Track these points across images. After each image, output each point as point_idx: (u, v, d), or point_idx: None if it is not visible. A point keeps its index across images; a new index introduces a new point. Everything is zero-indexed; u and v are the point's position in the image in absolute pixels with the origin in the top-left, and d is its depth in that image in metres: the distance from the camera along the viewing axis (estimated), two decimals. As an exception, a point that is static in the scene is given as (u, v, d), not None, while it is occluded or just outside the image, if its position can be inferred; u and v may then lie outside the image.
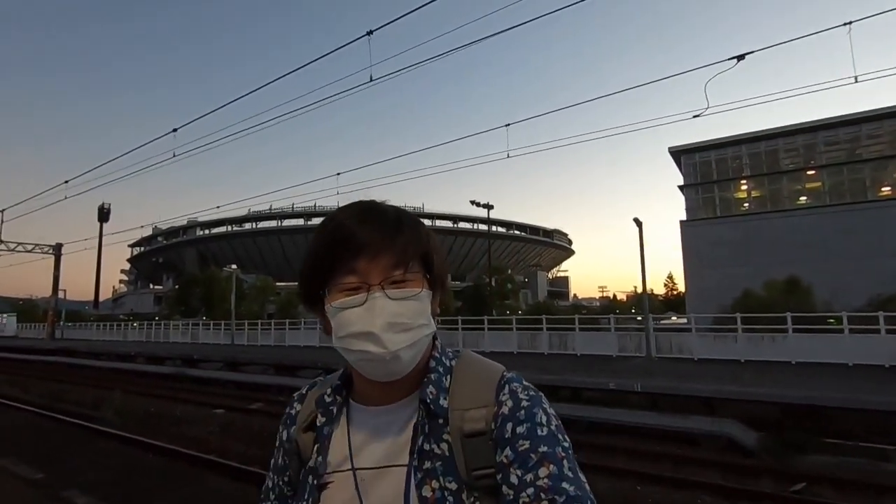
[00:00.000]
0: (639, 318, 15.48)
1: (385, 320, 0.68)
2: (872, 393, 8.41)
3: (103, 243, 70.23)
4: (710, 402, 9.43)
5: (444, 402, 0.72)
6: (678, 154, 33.40)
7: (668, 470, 7.28)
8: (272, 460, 0.85)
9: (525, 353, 15.20)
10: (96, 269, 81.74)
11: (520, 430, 0.67)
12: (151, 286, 77.73)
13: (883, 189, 28.12)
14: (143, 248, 79.47)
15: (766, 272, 24.16)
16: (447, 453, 0.70)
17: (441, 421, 0.71)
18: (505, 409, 0.70)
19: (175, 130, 11.63)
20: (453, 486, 0.68)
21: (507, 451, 0.67)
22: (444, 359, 0.78)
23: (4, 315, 56.16)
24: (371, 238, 0.71)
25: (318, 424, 0.78)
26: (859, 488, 6.57)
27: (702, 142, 32.39)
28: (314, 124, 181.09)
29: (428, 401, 0.72)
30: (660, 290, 59.76)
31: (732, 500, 6.09)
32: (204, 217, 63.70)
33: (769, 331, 12.72)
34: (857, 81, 8.50)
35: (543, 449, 0.65)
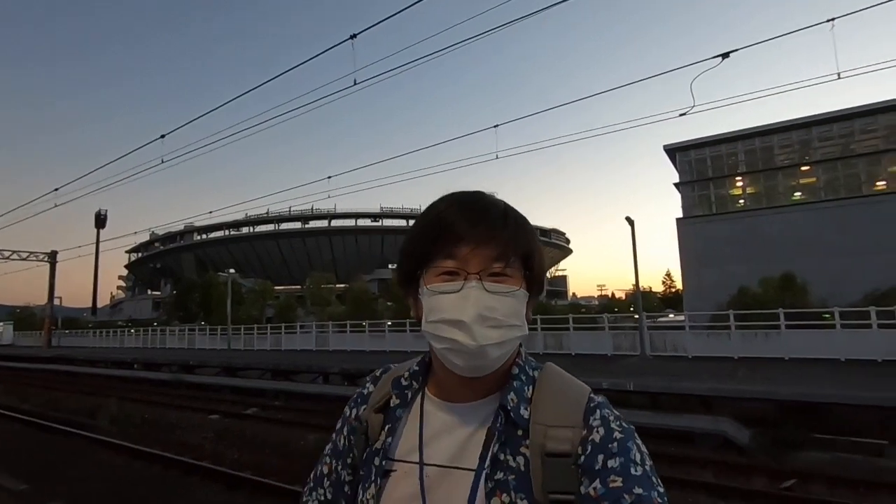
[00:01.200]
0: (635, 317, 15.48)
1: (477, 311, 0.66)
2: (865, 388, 8.42)
3: (101, 250, 70.40)
4: (704, 400, 9.44)
5: (524, 413, 0.69)
6: (673, 152, 33.45)
7: (662, 469, 7.26)
8: (328, 446, 0.84)
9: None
10: (94, 275, 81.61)
11: (612, 463, 0.63)
12: (149, 292, 77.59)
13: (878, 183, 28.18)
14: (140, 254, 79.32)
15: (763, 269, 24.18)
16: (522, 468, 0.66)
17: (520, 433, 0.68)
18: (596, 437, 0.66)
19: (163, 136, 11.63)
20: (524, 503, 0.65)
21: (597, 485, 0.62)
22: (527, 367, 0.75)
23: (1, 323, 56.02)
24: (476, 227, 0.69)
25: (391, 406, 0.77)
26: (851, 485, 6.58)
27: (696, 139, 32.43)
28: (305, 128, 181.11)
29: (509, 408, 0.69)
30: (658, 287, 59.87)
31: (726, 499, 6.09)
32: (200, 222, 63.95)
33: (763, 327, 12.73)
34: (839, 78, 8.54)
35: (638, 491, 0.61)
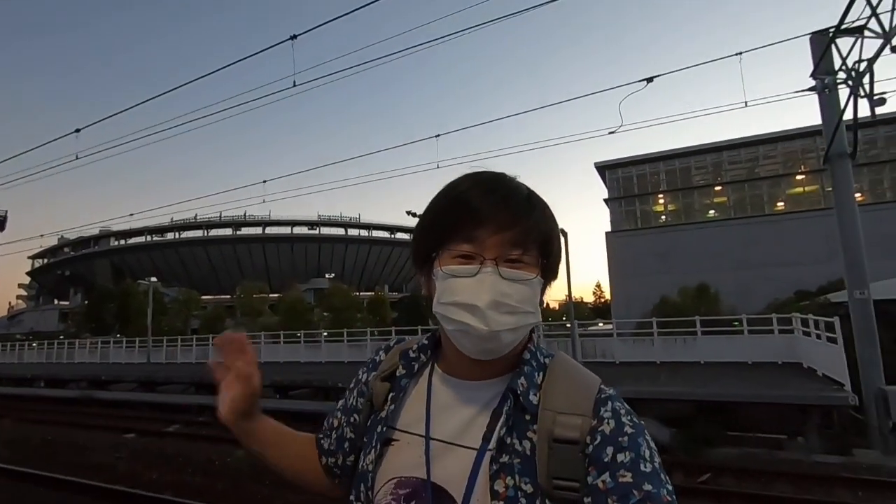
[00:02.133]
0: (568, 326, 16.10)
1: (492, 297, 0.65)
2: (767, 388, 9.26)
3: (-2, 255, 63.33)
4: (629, 403, 9.96)
5: (534, 399, 0.69)
6: (603, 169, 35.37)
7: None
8: (342, 400, 0.87)
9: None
10: (-11, 283, 73.15)
11: (621, 457, 0.62)
12: (56, 302, 70.56)
13: (778, 204, 31.31)
14: (46, 261, 72.08)
15: (682, 280, 26.04)
16: (528, 452, 0.66)
17: (528, 417, 0.68)
18: (606, 428, 0.65)
19: (78, 131, 10.71)
20: (529, 488, 0.64)
21: (606, 477, 0.62)
22: (539, 354, 0.75)
23: None
24: (497, 211, 0.68)
25: (397, 375, 0.77)
26: (755, 475, 7.20)
27: (624, 158, 34.54)
28: (240, 130, 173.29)
29: (518, 392, 0.68)
30: (590, 298, 62.71)
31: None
32: (118, 226, 59.26)
33: (681, 334, 13.70)
34: (746, 106, 9.50)
35: (648, 488, 0.60)
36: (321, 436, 0.89)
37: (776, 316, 12.50)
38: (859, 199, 26.28)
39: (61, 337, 35.70)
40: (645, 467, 0.62)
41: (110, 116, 9.79)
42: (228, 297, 53.87)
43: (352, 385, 0.86)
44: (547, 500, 0.63)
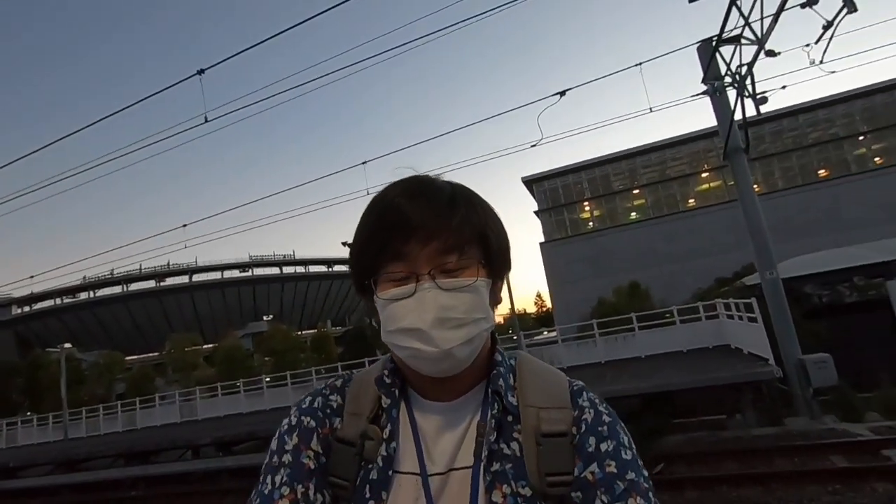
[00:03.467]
0: (514, 338, 16.29)
1: (435, 315, 0.62)
2: (703, 372, 9.79)
3: None
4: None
5: (513, 399, 0.67)
6: (530, 183, 36.77)
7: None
8: (282, 471, 0.66)
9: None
10: None
11: (604, 447, 0.63)
12: (-51, 385, 62.01)
13: (689, 201, 33.89)
14: (-67, 339, 63.50)
15: (614, 281, 27.32)
16: (518, 454, 0.64)
17: (510, 418, 0.66)
18: (588, 417, 0.66)
19: (-43, 189, 9.56)
20: (527, 491, 0.62)
21: (594, 468, 0.62)
22: (504, 358, 0.73)
23: None
24: (420, 219, 0.63)
25: (383, 406, 0.69)
26: (704, 459, 7.52)
27: (548, 170, 36.12)
28: (155, 173, 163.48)
29: (501, 393, 0.66)
30: (532, 308, 64.14)
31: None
32: (20, 292, 53.53)
33: (620, 331, 14.27)
34: (651, 111, 10.27)
35: (631, 476, 0.61)
36: None
37: (702, 304, 13.35)
38: (756, 190, 29.11)
39: (-43, 425, 31.27)
40: (626, 455, 0.63)
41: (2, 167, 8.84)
42: (156, 354, 49.88)
43: (294, 443, 0.68)
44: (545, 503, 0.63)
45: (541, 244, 35.35)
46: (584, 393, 0.69)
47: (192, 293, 62.85)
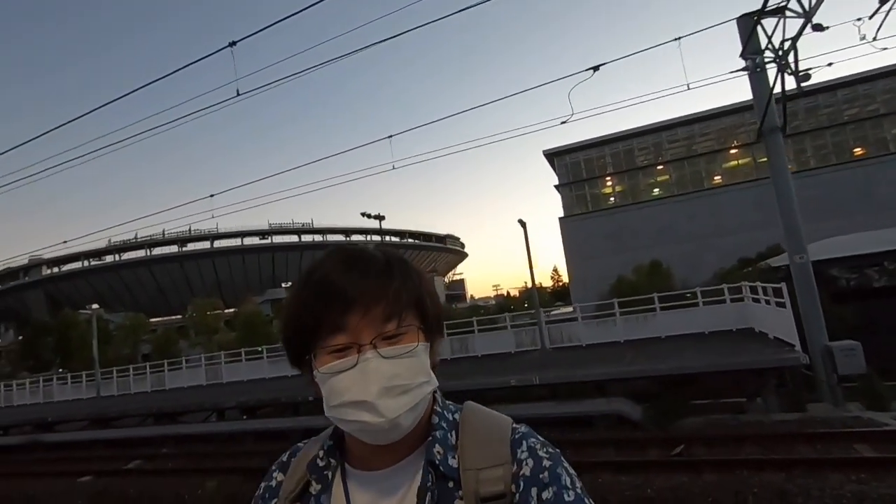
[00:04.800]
0: (532, 313, 16.33)
1: (380, 385, 0.62)
2: (726, 356, 9.72)
3: (-89, 296, 57.51)
4: (600, 384, 10.24)
5: (453, 462, 0.66)
6: (552, 156, 36.13)
7: (569, 455, 7.72)
8: None
9: (429, 362, 15.23)
10: None
11: (546, 495, 0.63)
12: (-15, 341, 65.04)
13: (715, 178, 33.00)
14: (-31, 297, 66.27)
15: (634, 258, 27.03)
16: None
17: (451, 484, 0.65)
18: (526, 470, 0.65)
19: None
20: None
21: None
22: (446, 413, 0.72)
23: None
24: (358, 290, 0.64)
25: (311, 493, 0.69)
26: (724, 442, 7.55)
27: (571, 144, 35.39)
28: (183, 144, 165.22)
29: (437, 462, 0.66)
30: (548, 283, 64.08)
31: (626, 473, 6.63)
32: (51, 253, 55.20)
33: (641, 311, 14.19)
34: (689, 88, 9.91)
35: None
36: None
37: (727, 286, 13.14)
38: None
39: (-5, 379, 32.93)
40: (568, 496, 0.63)
41: (35, 138, 8.98)
42: (179, 317, 51.34)
43: None
44: None
45: (560, 219, 34.97)
46: (525, 442, 0.68)
47: (213, 259, 64.12)
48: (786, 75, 8.83)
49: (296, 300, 0.68)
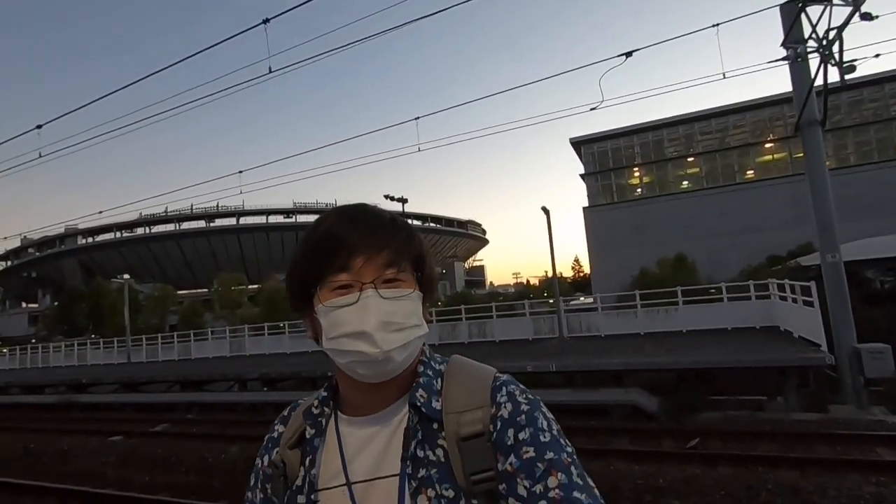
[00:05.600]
0: (551, 301, 16.28)
1: (379, 319, 0.67)
2: (748, 352, 9.57)
3: (-44, 259, 60.45)
4: (617, 374, 10.22)
5: (436, 405, 0.70)
6: (578, 145, 35.54)
7: (582, 442, 7.78)
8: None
9: (445, 344, 15.40)
10: (-51, 289, 70.20)
11: (522, 435, 0.65)
12: (24, 305, 68.07)
13: (747, 173, 32.05)
14: (10, 262, 69.24)
15: (659, 251, 26.59)
16: (443, 459, 0.67)
17: (435, 426, 0.69)
18: (504, 412, 0.68)
19: (40, 127, 10.14)
20: (450, 493, 0.65)
21: (512, 459, 0.64)
22: (432, 363, 0.77)
23: None
24: (365, 237, 0.70)
25: (307, 437, 0.75)
26: (741, 438, 7.49)
27: (599, 132, 34.74)
28: (213, 119, 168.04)
29: (419, 404, 0.70)
30: (568, 272, 63.57)
31: (640, 462, 6.65)
32: (85, 224, 57.17)
33: (663, 304, 14.01)
34: (724, 77, 9.61)
35: (550, 456, 0.64)
36: None
37: (753, 283, 12.87)
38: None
39: (33, 341, 34.57)
40: (544, 437, 0.65)
41: (74, 111, 9.28)
42: (205, 290, 52.76)
43: (251, 483, 0.81)
44: (473, 500, 0.65)
45: (584, 209, 34.54)
46: (504, 388, 0.71)
47: (238, 235, 65.44)
48: (829, 66, 8.49)
49: (303, 247, 0.73)
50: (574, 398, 9.88)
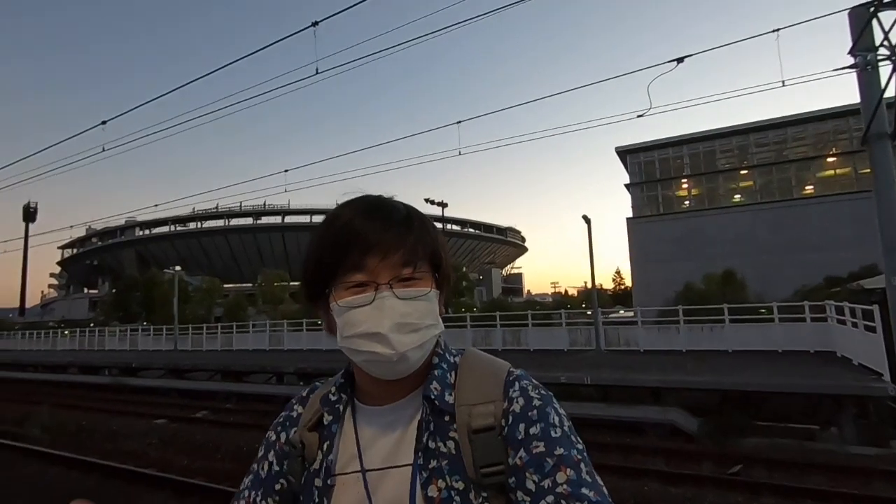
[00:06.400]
0: (588, 313, 15.91)
1: (394, 321, 0.67)
2: (797, 377, 9.01)
3: (30, 245, 65.35)
4: (655, 392, 9.84)
5: (449, 398, 0.71)
6: (624, 154, 34.69)
7: (616, 459, 7.53)
8: (247, 477, 0.80)
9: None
10: (22, 273, 75.89)
11: (533, 430, 0.66)
12: (86, 291, 72.75)
13: (806, 188, 30.33)
14: (75, 250, 74.23)
15: (705, 266, 25.52)
16: (454, 451, 0.68)
17: (447, 418, 0.70)
18: (516, 407, 0.68)
19: (104, 123, 10.84)
20: (460, 485, 0.66)
21: (522, 453, 0.65)
22: (447, 355, 0.77)
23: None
24: (381, 235, 0.69)
25: (325, 423, 0.76)
26: (788, 467, 7.04)
27: (646, 142, 33.78)
28: (261, 119, 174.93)
29: (432, 397, 0.70)
30: (608, 285, 61.96)
31: (676, 485, 6.36)
32: (143, 216, 60.56)
33: (708, 321, 13.41)
34: (784, 85, 9.12)
35: (559, 451, 0.64)
36: None
37: (808, 304, 12.13)
38: None
39: (91, 325, 36.83)
40: (555, 433, 0.65)
41: (135, 108, 9.88)
42: (250, 285, 54.76)
43: (260, 454, 0.81)
44: (482, 493, 0.65)
45: (628, 219, 33.63)
46: (518, 382, 0.71)
47: (283, 233, 67.58)
48: (902, 75, 7.90)
49: (319, 242, 0.73)
50: (608, 413, 9.59)
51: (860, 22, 8.92)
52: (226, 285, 52.18)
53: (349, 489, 0.70)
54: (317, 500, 0.71)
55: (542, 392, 0.70)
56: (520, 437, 0.66)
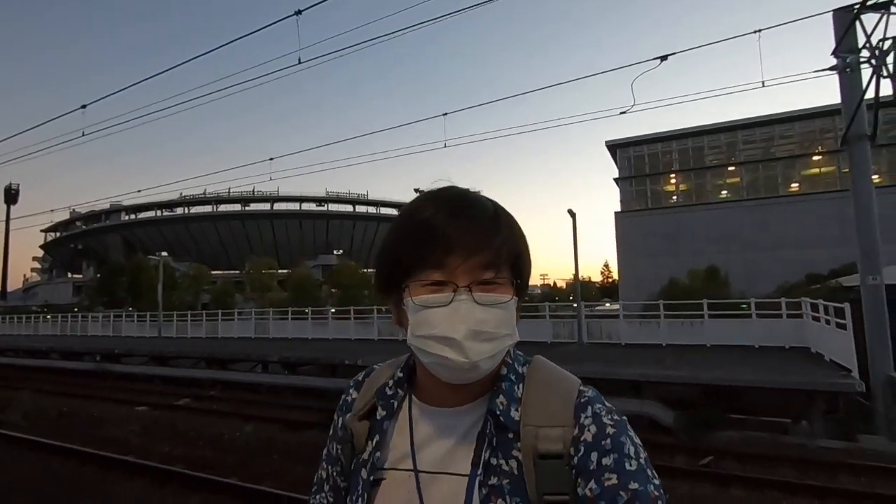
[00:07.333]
0: (574, 306, 16.07)
1: (469, 327, 0.63)
2: (772, 373, 9.22)
3: (11, 228, 64.16)
4: (634, 385, 10.01)
5: (515, 415, 0.67)
6: (614, 148, 34.81)
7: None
8: (325, 449, 0.82)
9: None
10: (3, 255, 74.65)
11: (606, 461, 0.62)
12: (70, 275, 71.76)
13: (792, 185, 30.72)
14: (59, 234, 73.11)
15: (691, 261, 25.86)
16: (516, 472, 0.65)
17: (511, 435, 0.67)
18: (588, 436, 0.64)
19: (84, 107, 10.65)
20: None
21: (592, 485, 0.61)
22: (516, 365, 0.73)
23: None
24: (465, 235, 0.65)
25: (377, 417, 0.74)
26: (758, 460, 7.23)
27: (636, 136, 33.92)
28: (247, 106, 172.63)
29: (498, 412, 0.67)
30: (597, 277, 62.53)
31: (649, 477, 6.51)
32: (129, 201, 59.77)
33: (688, 316, 13.63)
34: (763, 86, 9.22)
35: (634, 486, 0.60)
36: (312, 492, 0.84)
37: (785, 300, 12.37)
38: (877, 180, 25.74)
39: (75, 310, 36.40)
40: (630, 465, 0.61)
41: (116, 92, 9.74)
42: (237, 272, 54.36)
43: (331, 433, 0.82)
44: None
45: (616, 213, 33.87)
46: (590, 407, 0.67)
47: (272, 220, 67.11)
48: (881, 78, 8.04)
49: (398, 234, 0.70)
50: (588, 405, 9.72)
51: (843, 24, 9.04)
52: (213, 272, 51.75)
53: (399, 487, 0.69)
54: (361, 492, 0.70)
55: (616, 417, 0.66)
56: (591, 467, 0.62)
